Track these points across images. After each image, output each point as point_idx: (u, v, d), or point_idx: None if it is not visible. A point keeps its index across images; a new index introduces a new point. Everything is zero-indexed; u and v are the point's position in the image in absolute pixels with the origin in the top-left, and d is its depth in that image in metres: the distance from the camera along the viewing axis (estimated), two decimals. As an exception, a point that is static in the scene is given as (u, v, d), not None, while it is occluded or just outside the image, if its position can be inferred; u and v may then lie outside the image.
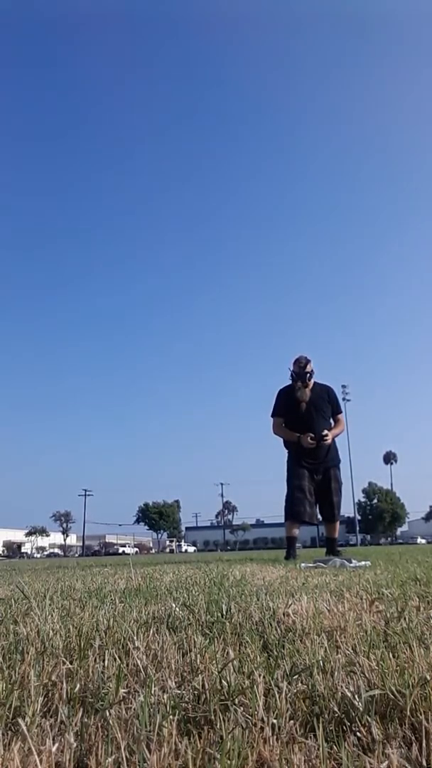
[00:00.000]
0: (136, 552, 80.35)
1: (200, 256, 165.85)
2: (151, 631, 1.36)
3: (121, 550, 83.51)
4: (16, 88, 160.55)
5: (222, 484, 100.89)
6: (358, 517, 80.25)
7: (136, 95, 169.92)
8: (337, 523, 6.07)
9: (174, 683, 0.94)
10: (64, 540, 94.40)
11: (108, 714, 0.79)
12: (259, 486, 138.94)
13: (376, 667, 0.96)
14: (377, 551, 10.86)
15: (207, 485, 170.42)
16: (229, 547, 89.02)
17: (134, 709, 0.81)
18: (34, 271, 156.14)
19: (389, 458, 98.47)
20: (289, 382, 6.15)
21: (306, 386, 6.00)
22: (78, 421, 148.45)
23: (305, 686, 0.90)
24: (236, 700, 0.84)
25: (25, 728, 0.72)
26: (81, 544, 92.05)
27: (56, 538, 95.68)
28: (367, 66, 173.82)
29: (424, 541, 77.77)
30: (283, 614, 1.55)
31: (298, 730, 0.76)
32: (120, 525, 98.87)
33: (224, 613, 1.58)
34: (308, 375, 6.01)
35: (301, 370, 6.02)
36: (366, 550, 13.03)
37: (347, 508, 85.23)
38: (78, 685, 0.93)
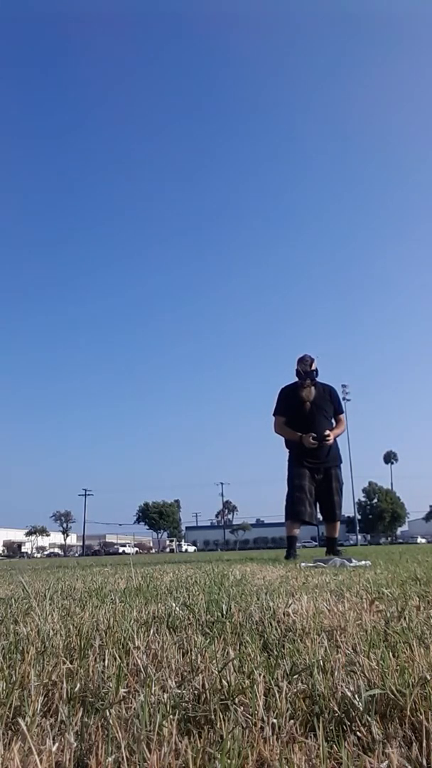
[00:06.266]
0: (137, 552, 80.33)
1: (200, 256, 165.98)
2: (151, 631, 1.36)
3: (121, 549, 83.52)
4: (17, 88, 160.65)
5: (222, 483, 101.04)
6: (359, 517, 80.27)
7: (137, 94, 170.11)
8: (338, 522, 6.07)
9: (174, 683, 0.94)
10: (65, 540, 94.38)
11: (108, 714, 0.79)
12: (259, 486, 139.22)
13: (376, 667, 0.96)
14: (377, 551, 10.85)
15: (207, 485, 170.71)
16: (229, 547, 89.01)
17: (134, 709, 0.81)
18: (33, 270, 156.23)
19: (389, 458, 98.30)
20: (291, 381, 6.15)
21: (314, 385, 6.01)
22: (78, 421, 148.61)
23: (305, 686, 0.90)
24: (236, 700, 0.85)
25: (25, 728, 0.72)
26: (81, 543, 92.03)
27: (56, 537, 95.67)
28: (367, 66, 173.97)
29: (424, 540, 77.83)
30: (283, 614, 1.55)
31: (298, 729, 0.76)
32: (120, 525, 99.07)
33: (224, 612, 1.58)
34: (314, 373, 6.03)
35: (308, 369, 6.02)
36: (366, 550, 13.03)
37: (347, 508, 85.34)
38: (78, 685, 0.93)
